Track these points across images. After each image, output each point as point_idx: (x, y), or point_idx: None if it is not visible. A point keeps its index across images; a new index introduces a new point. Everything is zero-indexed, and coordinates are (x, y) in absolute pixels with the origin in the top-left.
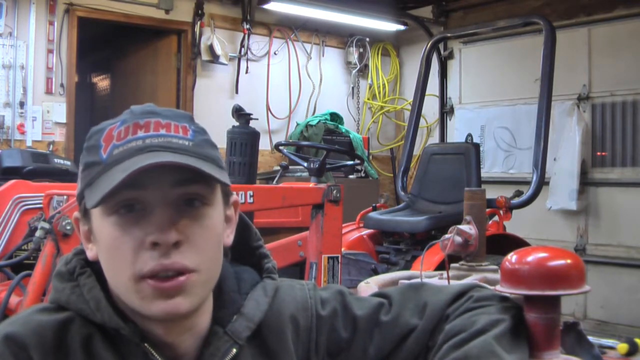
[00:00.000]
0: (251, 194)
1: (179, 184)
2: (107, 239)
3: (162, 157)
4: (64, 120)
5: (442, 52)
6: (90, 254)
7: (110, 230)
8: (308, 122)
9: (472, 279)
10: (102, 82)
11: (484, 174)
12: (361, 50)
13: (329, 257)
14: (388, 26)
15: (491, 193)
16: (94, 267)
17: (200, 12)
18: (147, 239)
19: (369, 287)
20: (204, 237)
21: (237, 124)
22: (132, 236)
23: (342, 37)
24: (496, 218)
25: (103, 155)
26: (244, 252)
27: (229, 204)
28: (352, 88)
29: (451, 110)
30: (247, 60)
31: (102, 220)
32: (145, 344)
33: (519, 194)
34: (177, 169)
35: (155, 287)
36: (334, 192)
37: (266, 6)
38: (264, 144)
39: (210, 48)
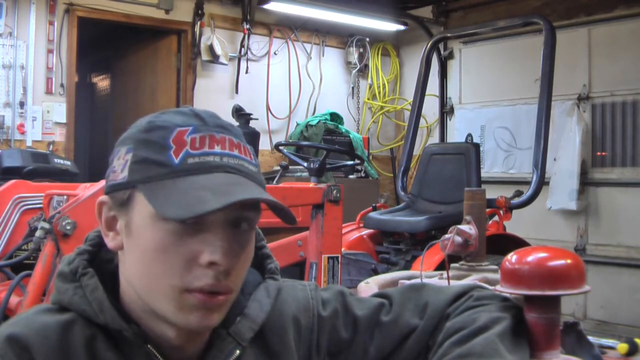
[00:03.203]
0: None
1: (241, 208)
2: (156, 243)
3: (250, 188)
4: (64, 120)
5: (442, 52)
6: (111, 243)
7: (163, 236)
8: (308, 122)
9: (472, 279)
10: (102, 82)
11: (484, 174)
12: (361, 50)
13: (329, 257)
14: (388, 26)
15: (491, 193)
16: (99, 267)
17: (200, 12)
18: (207, 257)
19: (369, 287)
20: (246, 260)
21: (237, 124)
22: (187, 248)
23: (342, 37)
24: (496, 218)
25: (174, 159)
26: None
27: None
28: (352, 88)
29: (451, 110)
30: (247, 60)
31: (153, 222)
32: (149, 346)
33: (519, 194)
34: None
35: (202, 301)
36: (334, 192)
37: (266, 6)
38: (264, 144)
39: (210, 48)
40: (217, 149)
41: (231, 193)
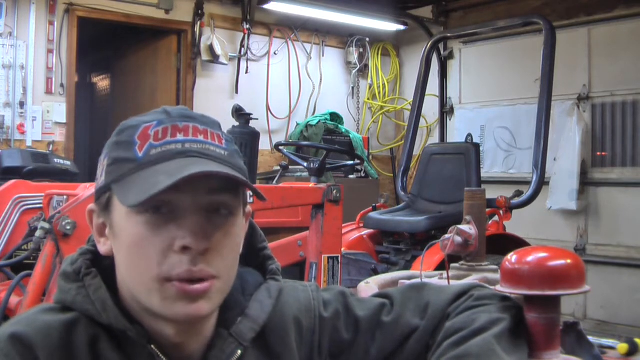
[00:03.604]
0: (250, 194)
1: (212, 192)
2: (133, 237)
3: (207, 165)
4: (64, 120)
5: (442, 52)
6: (103, 248)
7: (139, 230)
8: (308, 122)
9: (472, 279)
10: (102, 82)
11: (484, 174)
12: (361, 50)
13: (329, 257)
14: (388, 26)
15: (491, 193)
16: (100, 267)
17: (200, 12)
18: (179, 242)
19: (369, 287)
20: (228, 245)
21: (237, 124)
22: (161, 237)
23: (342, 37)
24: (496, 218)
25: (138, 153)
26: (249, 253)
27: (245, 214)
28: (352, 88)
29: (451, 110)
30: (247, 60)
31: (128, 217)
32: (152, 346)
33: (519, 194)
34: (212, 177)
35: (181, 289)
36: (334, 192)
37: (266, 6)
38: (264, 144)
39: (210, 48)
40: (180, 136)
41: (183, 172)
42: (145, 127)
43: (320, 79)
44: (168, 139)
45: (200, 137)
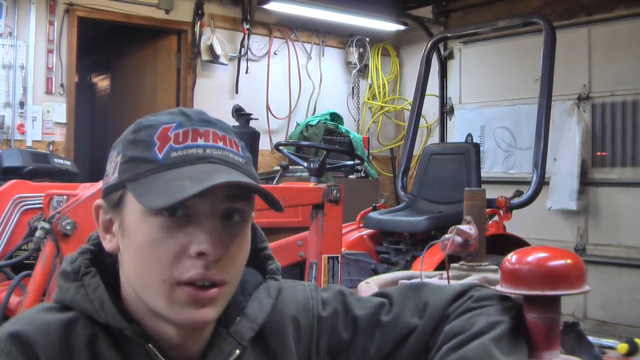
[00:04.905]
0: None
1: (230, 199)
2: (146, 238)
3: (230, 174)
4: (64, 120)
5: (442, 52)
6: (108, 245)
7: (153, 231)
8: (308, 122)
9: (472, 279)
10: (102, 82)
11: (484, 174)
12: (361, 50)
13: (329, 257)
14: (388, 26)
15: (491, 193)
16: (102, 266)
17: (200, 12)
18: (195, 248)
19: (369, 287)
20: (239, 252)
21: (237, 124)
22: (176, 241)
23: (342, 37)
24: (496, 218)
25: (158, 155)
26: (250, 253)
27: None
28: (352, 88)
29: (451, 110)
30: (247, 60)
31: (143, 218)
32: (149, 345)
33: (519, 194)
34: (235, 186)
35: (191, 295)
36: (334, 192)
37: (266, 6)
38: (264, 144)
39: (210, 48)
40: (201, 141)
41: (211, 179)
42: (165, 128)
43: (320, 79)
44: (189, 142)
45: (220, 144)
